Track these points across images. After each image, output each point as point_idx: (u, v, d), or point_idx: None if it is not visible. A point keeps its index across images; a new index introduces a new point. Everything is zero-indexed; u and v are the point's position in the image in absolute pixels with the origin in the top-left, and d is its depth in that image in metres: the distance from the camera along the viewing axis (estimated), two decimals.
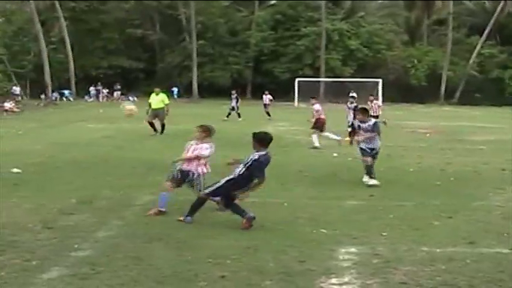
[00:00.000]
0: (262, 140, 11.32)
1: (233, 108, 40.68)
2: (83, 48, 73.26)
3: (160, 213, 11.86)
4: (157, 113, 28.92)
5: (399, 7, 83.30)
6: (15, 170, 17.21)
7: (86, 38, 75.41)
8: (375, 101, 32.18)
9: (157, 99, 29.29)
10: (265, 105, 43.77)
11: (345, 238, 10.31)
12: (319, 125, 24.81)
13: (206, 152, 12.28)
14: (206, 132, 12.50)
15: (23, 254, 9.06)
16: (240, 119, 39.07)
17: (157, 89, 30.41)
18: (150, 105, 29.14)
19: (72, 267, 8.48)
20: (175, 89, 71.90)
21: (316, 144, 24.05)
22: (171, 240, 9.94)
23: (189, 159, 12.29)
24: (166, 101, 29.77)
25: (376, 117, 29.09)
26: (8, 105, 49.31)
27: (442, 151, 23.46)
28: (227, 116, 39.35)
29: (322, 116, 25.07)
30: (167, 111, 29.32)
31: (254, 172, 11.10)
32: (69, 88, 68.90)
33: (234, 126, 32.29)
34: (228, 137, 24.58)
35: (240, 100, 42.16)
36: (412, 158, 21.08)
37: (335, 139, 24.41)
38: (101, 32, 76.67)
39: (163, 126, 28.72)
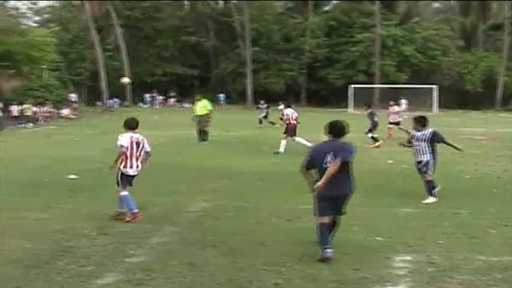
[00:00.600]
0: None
1: (265, 116, 40.67)
2: (138, 55, 73.90)
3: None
4: (200, 120, 28.96)
5: (454, 12, 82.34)
6: (71, 176, 17.45)
7: (141, 45, 76.09)
8: (393, 108, 31.60)
9: (200, 106, 29.38)
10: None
11: (399, 246, 10.19)
12: (289, 130, 24.57)
13: None
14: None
15: (79, 259, 9.16)
16: (276, 125, 36.70)
17: (198, 96, 30.58)
18: (194, 112, 29.30)
19: (126, 273, 8.55)
20: (221, 95, 72.02)
21: (281, 150, 23.85)
22: (225, 247, 9.96)
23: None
24: (209, 107, 29.71)
25: (397, 123, 28.97)
26: (65, 112, 50.02)
27: (498, 158, 23.07)
28: (260, 123, 39.69)
29: (293, 122, 24.72)
30: (210, 117, 29.31)
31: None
32: (124, 95, 69.45)
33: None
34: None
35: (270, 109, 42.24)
36: (468, 165, 20.75)
37: (305, 145, 23.70)
38: (156, 40, 77.22)
39: (205, 132, 28.77)
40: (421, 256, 9.59)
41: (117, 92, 68.36)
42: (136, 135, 12.42)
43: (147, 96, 73.41)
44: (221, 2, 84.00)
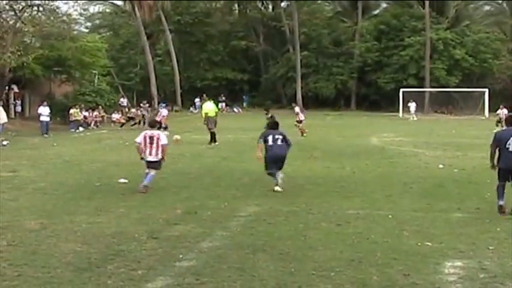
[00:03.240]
0: None
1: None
2: (188, 60, 74.40)
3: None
4: (210, 121, 29.80)
5: (505, 15, 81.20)
6: (122, 180, 17.62)
7: (191, 50, 76.59)
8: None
9: (211, 108, 30.03)
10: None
11: (451, 252, 10.08)
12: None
13: None
14: None
15: (129, 263, 9.23)
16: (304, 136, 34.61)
17: (205, 98, 31.37)
18: (206, 114, 29.69)
19: (176, 277, 8.58)
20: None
21: None
22: (275, 252, 9.94)
23: None
24: (216, 109, 30.69)
25: None
26: (115, 116, 50.49)
27: None
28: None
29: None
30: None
31: None
32: (175, 100, 69.79)
33: (337, 138, 32.09)
34: (333, 149, 24.58)
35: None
36: None
37: None
38: (206, 44, 77.63)
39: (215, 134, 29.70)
40: (473, 262, 9.47)
41: (167, 97, 68.84)
42: (150, 132, 16.36)
43: (197, 100, 73.70)
44: (271, 6, 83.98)
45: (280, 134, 16.58)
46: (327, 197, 15.11)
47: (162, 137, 16.40)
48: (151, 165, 16.15)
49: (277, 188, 15.84)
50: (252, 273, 8.75)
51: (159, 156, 16.20)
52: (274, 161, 16.30)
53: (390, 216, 12.85)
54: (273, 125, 17.14)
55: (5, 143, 30.90)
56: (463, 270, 9.08)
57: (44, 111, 39.61)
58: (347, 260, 9.49)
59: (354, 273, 8.84)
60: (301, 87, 71.89)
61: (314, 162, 22.70)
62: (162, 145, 16.16)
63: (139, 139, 16.26)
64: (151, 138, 16.11)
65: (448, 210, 13.51)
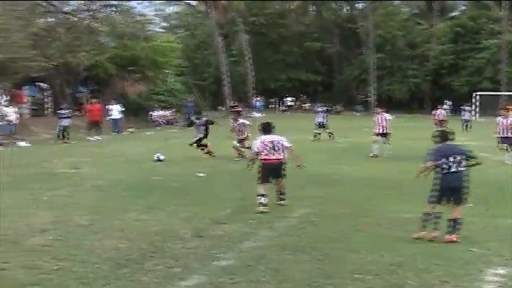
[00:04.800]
0: None
1: (321, 126, 34.24)
2: (262, 61, 74.42)
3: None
4: None
5: None
6: (200, 174, 18.68)
7: (266, 51, 76.66)
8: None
9: None
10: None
11: (496, 258, 9.84)
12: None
13: None
14: None
15: (168, 260, 9.33)
16: (334, 139, 33.17)
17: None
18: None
19: (211, 276, 8.64)
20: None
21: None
22: (315, 253, 9.92)
23: None
24: None
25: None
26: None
27: None
28: (315, 138, 33.20)
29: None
30: None
31: None
32: (247, 101, 69.88)
33: (404, 140, 31.65)
34: (398, 151, 24.40)
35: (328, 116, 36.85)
36: None
37: None
38: (280, 46, 77.64)
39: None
40: None
41: (239, 97, 69.09)
42: (269, 137, 14.05)
43: (271, 101, 73.94)
44: (346, 8, 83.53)
45: (461, 152, 11.18)
46: (381, 200, 14.94)
47: (285, 139, 14.04)
48: (274, 173, 13.89)
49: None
50: (287, 274, 8.76)
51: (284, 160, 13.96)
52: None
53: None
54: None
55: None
56: (504, 278, 8.87)
57: (115, 109, 40.29)
58: (386, 264, 9.39)
59: (390, 277, 8.75)
60: (375, 90, 71.24)
61: (372, 163, 22.55)
62: (286, 147, 13.93)
63: (257, 147, 13.84)
64: (272, 143, 13.86)
65: (502, 216, 13.17)
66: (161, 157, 22.05)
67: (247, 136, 23.53)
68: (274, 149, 13.75)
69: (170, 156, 23.35)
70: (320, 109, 36.62)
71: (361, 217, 12.86)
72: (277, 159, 13.76)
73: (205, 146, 24.33)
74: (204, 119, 25.11)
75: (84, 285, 8.15)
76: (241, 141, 23.70)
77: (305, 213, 13.23)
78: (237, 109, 33.39)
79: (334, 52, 78.08)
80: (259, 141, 13.89)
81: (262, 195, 13.38)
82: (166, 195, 15.28)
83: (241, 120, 24.41)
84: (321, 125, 34.09)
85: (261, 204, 13.26)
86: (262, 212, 12.93)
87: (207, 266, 9.18)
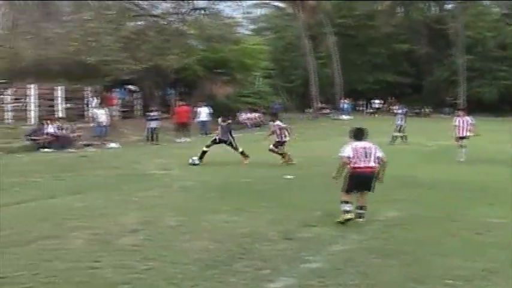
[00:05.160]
0: None
1: (400, 129, 33.80)
2: (349, 63, 73.91)
3: None
4: None
5: None
6: (288, 176, 18.56)
7: (353, 53, 76.11)
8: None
9: None
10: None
11: None
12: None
13: None
14: None
15: (257, 262, 9.32)
16: (406, 142, 32.50)
17: None
18: None
19: (300, 279, 8.59)
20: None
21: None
22: (404, 257, 9.77)
23: None
24: None
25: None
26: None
27: None
28: (393, 141, 32.05)
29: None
30: None
31: None
32: (334, 103, 69.61)
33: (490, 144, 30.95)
34: (484, 154, 23.90)
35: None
36: None
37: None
38: (368, 47, 77.05)
39: None
40: None
41: (327, 99, 68.92)
42: (362, 143, 12.60)
43: (358, 103, 73.40)
44: (434, 8, 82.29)
45: None
46: (470, 204, 14.65)
47: (378, 148, 12.69)
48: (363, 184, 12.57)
49: None
50: (376, 278, 8.65)
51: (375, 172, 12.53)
52: None
53: None
54: None
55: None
56: None
57: (203, 111, 40.67)
58: (477, 269, 9.17)
59: (482, 283, 8.58)
60: (464, 92, 69.89)
61: (461, 167, 22.15)
62: (379, 157, 12.53)
63: (347, 153, 12.43)
64: (365, 149, 12.47)
65: None
66: (196, 161, 21.88)
67: (287, 140, 23.30)
68: (366, 156, 12.33)
69: (258, 158, 23.36)
70: (400, 111, 36.06)
71: (450, 221, 12.63)
72: (369, 167, 12.32)
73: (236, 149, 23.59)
74: (229, 121, 24.14)
75: (173, 286, 8.21)
76: (278, 144, 23.18)
77: (393, 216, 13.07)
78: (273, 112, 32.54)
79: (422, 53, 76.96)
80: (350, 148, 12.46)
81: (347, 202, 12.33)
82: (254, 197, 15.30)
83: (277, 122, 23.49)
84: (399, 128, 33.76)
85: (346, 211, 12.23)
86: (348, 220, 12.12)
87: (295, 268, 9.13)
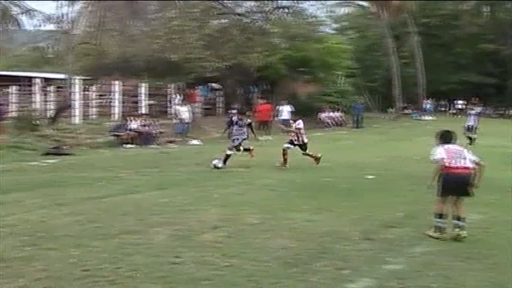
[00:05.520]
0: None
1: (470, 129, 32.48)
2: (433, 63, 72.86)
3: None
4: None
5: None
6: (369, 176, 18.50)
7: (437, 53, 75.00)
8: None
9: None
10: None
11: None
12: None
13: None
14: None
15: (337, 262, 9.25)
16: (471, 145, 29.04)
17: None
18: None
19: (379, 280, 8.50)
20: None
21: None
22: (487, 261, 9.59)
23: None
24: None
25: None
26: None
27: None
28: (470, 142, 29.69)
29: None
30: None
31: None
32: (417, 103, 68.77)
33: None
34: None
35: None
36: None
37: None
38: (452, 47, 75.87)
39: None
40: None
41: (409, 99, 68.21)
42: (452, 146, 11.61)
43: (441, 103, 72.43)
44: None
45: None
46: None
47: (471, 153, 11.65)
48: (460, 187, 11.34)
49: None
50: (458, 282, 8.49)
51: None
52: None
53: None
54: None
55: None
56: None
57: (285, 110, 40.72)
58: None
59: None
60: None
61: None
62: (475, 161, 11.39)
63: (440, 154, 11.36)
64: (458, 151, 11.50)
65: None
66: (219, 164, 20.80)
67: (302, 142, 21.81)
68: (461, 157, 11.24)
69: (339, 158, 23.27)
70: (473, 111, 35.19)
71: None
72: (466, 168, 11.17)
73: (249, 149, 22.24)
74: (249, 120, 22.59)
75: (253, 283, 8.20)
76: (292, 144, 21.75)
77: (476, 219, 12.75)
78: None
79: (507, 54, 75.35)
80: (441, 149, 11.44)
81: (441, 216, 11.25)
82: (335, 196, 15.24)
83: (298, 122, 22.14)
84: (470, 128, 32.76)
85: (438, 228, 11.18)
86: (438, 239, 11.05)
87: (376, 269, 9.04)
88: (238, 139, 21.62)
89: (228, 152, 21.14)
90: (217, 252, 9.64)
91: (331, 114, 50.40)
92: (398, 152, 26.88)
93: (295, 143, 21.73)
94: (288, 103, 41.75)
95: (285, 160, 21.36)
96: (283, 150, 21.42)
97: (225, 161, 20.99)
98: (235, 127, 22.08)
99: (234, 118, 22.73)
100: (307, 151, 22.05)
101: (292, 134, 22.03)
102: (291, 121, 24.03)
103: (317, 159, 21.91)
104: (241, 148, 21.75)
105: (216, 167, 20.65)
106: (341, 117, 51.15)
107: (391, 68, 65.99)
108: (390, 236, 11.12)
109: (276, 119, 40.18)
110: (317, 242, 10.47)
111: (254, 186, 16.93)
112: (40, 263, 8.81)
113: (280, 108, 41.23)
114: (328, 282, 8.33)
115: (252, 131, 22.44)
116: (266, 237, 10.68)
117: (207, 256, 9.37)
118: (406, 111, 65.88)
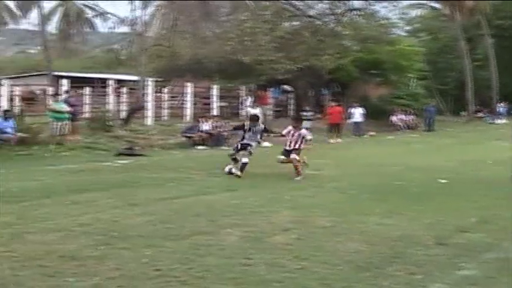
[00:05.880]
0: None
1: None
2: (506, 66, 71.51)
3: None
4: None
5: None
6: (442, 180, 18.24)
7: (510, 56, 73.64)
8: None
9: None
10: None
11: None
12: None
13: None
14: None
15: (410, 267, 9.16)
16: None
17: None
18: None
19: (452, 286, 8.39)
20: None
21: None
22: None
23: None
24: None
25: None
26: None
27: None
28: None
29: None
30: None
31: None
32: (490, 106, 67.69)
33: None
34: None
35: None
36: None
37: None
38: None
39: None
40: None
41: (482, 102, 67.19)
42: None
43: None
44: None
45: None
46: None
47: None
48: None
49: None
50: None
51: None
52: None
53: None
54: None
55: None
56: None
57: (357, 112, 40.60)
58: None
59: None
60: None
61: None
62: None
63: None
64: None
65: None
66: (233, 170, 19.59)
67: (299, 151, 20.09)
68: None
69: (410, 161, 23.09)
70: None
71: None
72: None
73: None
74: (262, 126, 21.81)
75: (325, 287, 8.19)
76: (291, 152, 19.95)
77: None
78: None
79: None
80: None
81: None
82: (407, 200, 15.11)
83: (302, 131, 20.69)
84: None
85: None
86: None
87: (448, 274, 8.92)
88: (250, 145, 20.37)
89: (244, 160, 19.90)
90: (288, 254, 9.66)
91: (403, 117, 50.01)
92: (471, 155, 26.49)
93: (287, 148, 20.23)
94: (360, 105, 41.62)
95: (303, 163, 20.09)
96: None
97: (242, 169, 19.63)
98: (248, 133, 20.68)
99: (246, 124, 21.27)
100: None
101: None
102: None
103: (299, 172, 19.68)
104: (252, 151, 20.45)
105: (230, 173, 19.67)
106: (413, 120, 50.73)
107: (464, 70, 65.09)
108: (463, 241, 10.96)
109: (348, 121, 40.08)
110: (389, 246, 10.40)
111: (325, 189, 16.93)
112: (113, 262, 8.96)
113: (352, 110, 41.15)
114: (400, 287, 8.28)
115: (268, 131, 22.10)
116: (337, 240, 10.65)
117: (278, 258, 9.40)
118: (479, 115, 64.88)
